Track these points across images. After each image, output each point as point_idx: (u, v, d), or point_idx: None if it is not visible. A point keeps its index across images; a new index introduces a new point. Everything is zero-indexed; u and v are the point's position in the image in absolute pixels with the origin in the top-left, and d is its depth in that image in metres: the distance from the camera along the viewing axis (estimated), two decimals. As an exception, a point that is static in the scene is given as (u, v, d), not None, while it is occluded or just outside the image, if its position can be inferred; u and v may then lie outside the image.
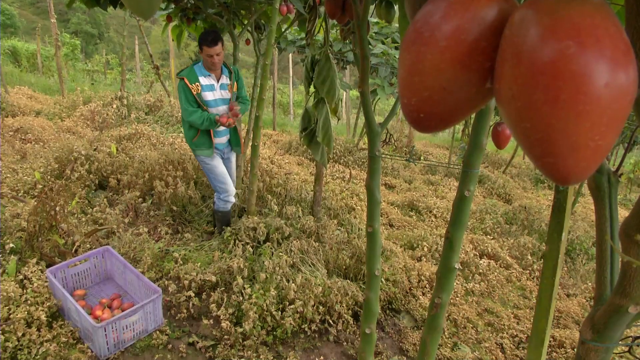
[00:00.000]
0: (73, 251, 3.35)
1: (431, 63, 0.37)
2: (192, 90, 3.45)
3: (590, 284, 4.50)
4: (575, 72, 0.30)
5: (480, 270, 4.22)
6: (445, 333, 3.32)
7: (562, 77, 0.30)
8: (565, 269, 4.82)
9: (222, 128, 3.67)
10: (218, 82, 3.61)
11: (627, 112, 0.31)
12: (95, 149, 5.15)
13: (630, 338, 1.00)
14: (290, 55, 12.32)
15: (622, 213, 7.07)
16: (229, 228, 3.95)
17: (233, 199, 3.91)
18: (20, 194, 4.16)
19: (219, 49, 3.39)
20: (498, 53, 0.35)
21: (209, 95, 3.55)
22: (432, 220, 5.57)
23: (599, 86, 0.30)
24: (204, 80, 3.52)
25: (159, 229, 4.00)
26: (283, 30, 4.59)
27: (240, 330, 2.85)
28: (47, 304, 2.72)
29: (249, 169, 4.06)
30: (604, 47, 0.30)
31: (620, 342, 0.84)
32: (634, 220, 0.66)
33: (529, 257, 4.74)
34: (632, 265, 0.68)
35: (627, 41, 0.31)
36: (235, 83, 3.72)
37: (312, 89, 2.48)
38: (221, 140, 3.81)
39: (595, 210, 0.93)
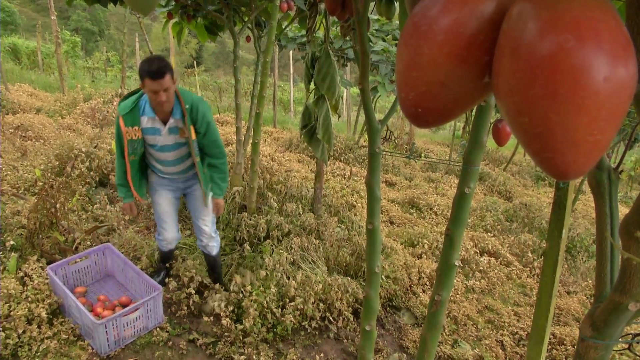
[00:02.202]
0: (73, 248, 3.36)
1: (429, 57, 0.36)
2: (127, 135, 2.61)
3: (590, 281, 4.50)
4: (574, 66, 0.29)
5: (481, 268, 4.22)
6: (446, 330, 3.32)
7: (560, 71, 0.30)
8: (566, 266, 4.82)
9: (168, 156, 2.76)
10: (166, 125, 2.65)
11: (627, 106, 0.31)
12: (95, 146, 5.15)
13: (630, 335, 1.00)
14: (291, 52, 12.31)
15: (623, 210, 7.06)
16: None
17: (168, 246, 3.14)
18: (20, 192, 4.16)
19: (167, 82, 2.42)
20: (496, 47, 0.34)
21: (152, 140, 2.69)
22: (432, 218, 5.57)
23: (598, 80, 0.29)
24: (146, 122, 2.64)
25: (160, 226, 4.00)
26: (283, 27, 4.58)
27: (240, 327, 2.85)
28: (48, 301, 2.72)
29: (250, 166, 4.05)
30: (603, 41, 0.30)
31: (620, 340, 0.84)
32: (634, 217, 0.65)
33: (530, 255, 4.74)
34: (632, 262, 0.67)
35: (627, 35, 0.31)
36: (191, 126, 2.67)
37: (312, 86, 2.48)
38: (171, 169, 2.86)
39: (596, 207, 0.93)
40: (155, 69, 2.37)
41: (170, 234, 3.06)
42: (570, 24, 0.30)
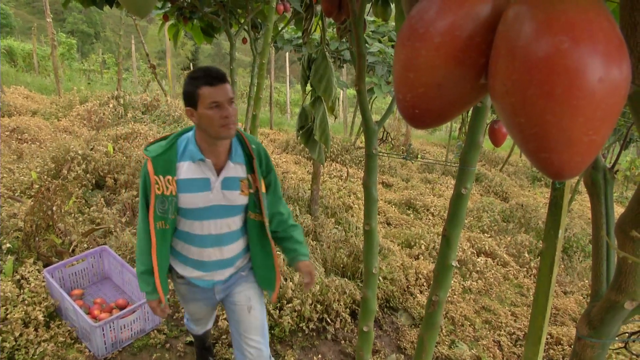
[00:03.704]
0: (70, 251, 3.35)
1: (426, 59, 0.37)
2: (156, 188, 1.73)
3: (587, 281, 4.51)
4: (569, 67, 0.30)
5: (478, 268, 4.23)
6: (443, 331, 3.33)
7: (556, 72, 0.30)
8: (562, 266, 4.83)
9: (212, 228, 1.83)
10: (219, 174, 1.79)
11: (621, 107, 0.32)
12: (91, 149, 5.14)
13: (627, 334, 1.01)
14: (287, 54, 12.32)
15: (619, 210, 7.09)
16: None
17: (204, 328, 2.38)
18: (17, 194, 4.15)
19: (232, 92, 1.69)
20: (492, 49, 0.35)
21: (194, 200, 1.77)
22: (429, 219, 5.58)
23: (592, 81, 0.30)
24: (186, 171, 1.76)
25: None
26: (280, 29, 4.59)
27: (238, 329, 2.85)
28: (45, 304, 2.71)
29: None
30: (597, 43, 0.30)
31: (616, 338, 0.85)
32: (630, 217, 0.66)
33: (526, 255, 4.75)
34: (628, 261, 0.68)
35: (620, 37, 0.32)
36: (261, 178, 1.85)
37: (308, 87, 2.48)
38: (213, 254, 1.88)
39: (592, 207, 0.94)
40: (215, 72, 1.66)
41: (208, 322, 2.36)
42: (565, 26, 0.30)
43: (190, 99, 1.67)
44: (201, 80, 1.64)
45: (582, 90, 0.30)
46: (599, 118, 0.31)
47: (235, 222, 1.87)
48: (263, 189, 1.85)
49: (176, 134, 1.83)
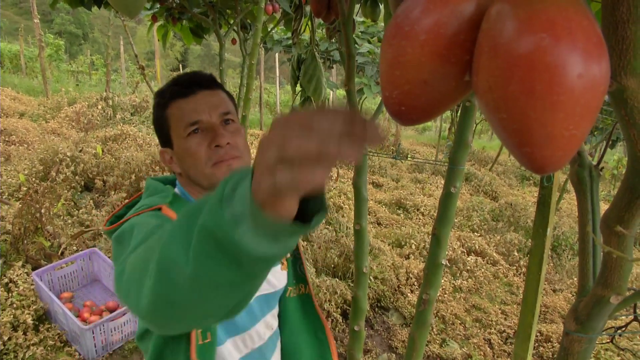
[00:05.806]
0: (59, 253, 3.32)
1: (412, 57, 0.37)
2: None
3: (575, 279, 4.55)
4: (550, 64, 0.31)
5: (468, 267, 4.25)
6: (434, 330, 3.34)
7: (536, 68, 0.31)
8: (551, 264, 4.87)
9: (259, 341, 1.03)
10: None
11: (600, 102, 0.33)
12: (80, 151, 5.10)
13: (613, 329, 1.02)
14: (277, 54, 12.30)
15: (606, 209, 7.16)
16: None
17: None
18: (4, 197, 4.11)
19: (227, 102, 0.98)
20: (476, 46, 0.36)
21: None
22: (419, 218, 5.60)
23: (572, 77, 0.31)
24: None
25: (147, 230, 3.97)
26: (269, 29, 4.59)
27: (229, 330, 2.84)
28: (34, 307, 2.69)
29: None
30: (577, 40, 0.31)
31: (603, 333, 0.86)
32: (614, 212, 0.67)
33: (516, 254, 4.79)
34: (613, 256, 0.69)
35: (599, 34, 0.33)
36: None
37: (298, 88, 2.48)
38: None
39: (578, 204, 0.95)
40: (188, 77, 0.99)
41: None
42: (546, 24, 0.31)
43: (161, 132, 1.00)
44: (167, 94, 0.97)
45: (562, 86, 0.31)
46: (579, 113, 0.32)
47: (275, 317, 1.14)
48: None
49: (151, 193, 1.00)
